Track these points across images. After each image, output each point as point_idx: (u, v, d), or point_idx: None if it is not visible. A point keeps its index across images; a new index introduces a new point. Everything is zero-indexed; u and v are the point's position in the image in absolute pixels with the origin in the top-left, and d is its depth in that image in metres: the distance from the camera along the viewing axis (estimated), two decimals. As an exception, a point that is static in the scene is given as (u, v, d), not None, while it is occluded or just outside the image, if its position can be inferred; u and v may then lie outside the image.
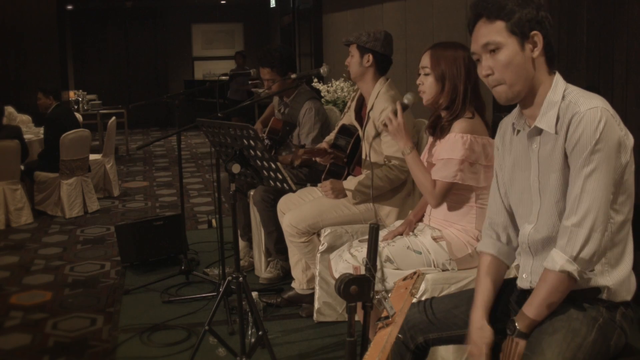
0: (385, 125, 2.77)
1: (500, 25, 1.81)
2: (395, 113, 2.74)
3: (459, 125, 2.68)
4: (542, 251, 1.90)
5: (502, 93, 1.85)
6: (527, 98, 1.86)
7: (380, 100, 3.34)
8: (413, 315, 2.08)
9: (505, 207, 2.06)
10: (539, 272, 1.89)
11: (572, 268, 1.75)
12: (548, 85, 1.85)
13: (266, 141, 4.12)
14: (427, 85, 2.75)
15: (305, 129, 4.11)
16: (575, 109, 1.76)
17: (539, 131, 1.86)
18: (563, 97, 1.82)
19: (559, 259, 1.77)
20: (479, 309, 1.97)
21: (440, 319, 2.06)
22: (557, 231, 1.84)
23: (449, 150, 2.67)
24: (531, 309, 1.83)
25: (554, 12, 3.98)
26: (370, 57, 3.37)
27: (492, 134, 2.59)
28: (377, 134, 2.79)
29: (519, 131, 1.95)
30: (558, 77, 1.86)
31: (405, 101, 2.77)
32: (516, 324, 1.84)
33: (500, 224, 2.07)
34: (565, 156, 1.79)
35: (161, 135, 12.04)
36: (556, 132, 1.80)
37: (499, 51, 1.81)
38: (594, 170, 1.73)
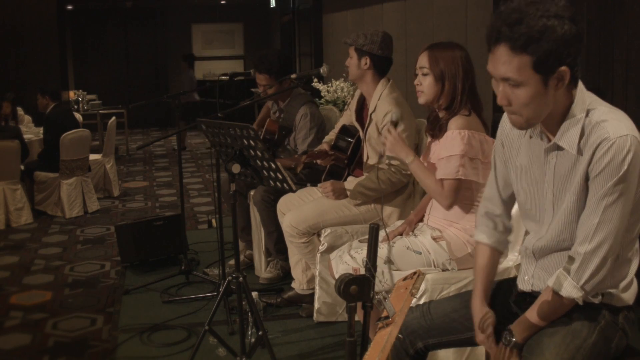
0: (384, 144, 2.82)
1: (525, 60, 1.62)
2: (389, 131, 2.80)
3: (455, 122, 2.69)
4: (546, 258, 1.89)
5: (517, 123, 1.75)
6: (546, 118, 1.76)
7: (383, 102, 3.33)
8: (412, 321, 2.07)
9: (502, 199, 2.06)
10: (541, 277, 1.89)
11: (578, 295, 1.74)
12: (568, 99, 1.73)
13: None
14: (426, 85, 2.75)
15: (302, 135, 4.11)
16: (604, 134, 1.67)
17: (558, 146, 1.78)
18: (587, 113, 1.72)
19: (566, 284, 1.74)
20: (479, 296, 1.99)
21: (439, 324, 2.05)
22: (564, 245, 1.82)
23: (449, 147, 2.67)
24: (530, 320, 1.82)
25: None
26: (368, 59, 3.37)
27: (491, 133, 2.60)
28: (381, 157, 2.89)
29: (531, 136, 1.87)
30: (581, 89, 1.74)
31: (394, 117, 2.83)
32: (513, 336, 1.83)
33: (498, 214, 2.08)
34: (586, 179, 1.72)
35: (161, 135, 12.04)
36: (580, 153, 1.71)
37: (519, 88, 1.66)
38: (615, 200, 1.67)
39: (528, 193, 1.92)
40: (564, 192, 1.79)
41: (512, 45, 1.62)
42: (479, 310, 1.96)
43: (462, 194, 2.73)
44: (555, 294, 1.77)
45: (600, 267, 1.72)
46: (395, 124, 2.81)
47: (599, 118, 1.70)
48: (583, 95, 1.74)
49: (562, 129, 1.74)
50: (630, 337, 1.87)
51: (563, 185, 1.79)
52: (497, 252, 2.09)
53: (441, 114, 2.79)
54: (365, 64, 3.37)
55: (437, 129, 2.79)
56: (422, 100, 2.78)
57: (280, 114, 4.27)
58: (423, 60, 2.76)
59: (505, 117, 1.98)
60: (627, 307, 1.86)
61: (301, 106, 4.14)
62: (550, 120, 1.76)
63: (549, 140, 1.80)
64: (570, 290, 1.74)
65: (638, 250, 1.85)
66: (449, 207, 2.73)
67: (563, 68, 1.64)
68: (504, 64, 1.66)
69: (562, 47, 1.61)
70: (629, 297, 1.85)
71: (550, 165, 1.81)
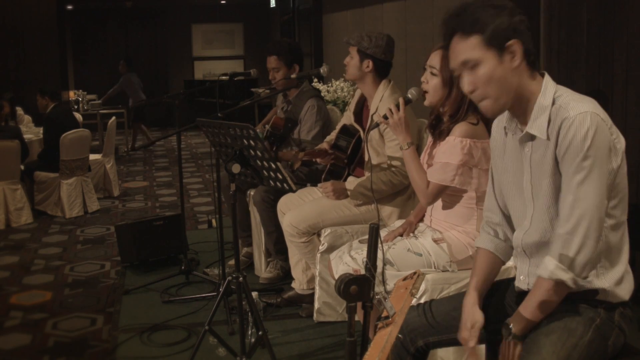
0: (385, 117, 2.73)
1: (475, 39, 1.78)
2: (397, 106, 2.71)
3: (459, 128, 2.63)
4: (537, 254, 1.90)
5: (489, 107, 1.83)
6: (515, 106, 1.84)
7: (384, 103, 3.30)
8: (412, 319, 2.08)
9: (500, 207, 2.06)
10: (536, 274, 1.89)
11: (566, 276, 1.74)
12: (536, 89, 1.82)
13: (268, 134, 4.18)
14: (432, 85, 2.69)
15: (307, 127, 4.12)
16: (565, 114, 1.74)
17: (531, 136, 1.84)
18: (553, 101, 1.79)
19: (552, 267, 1.75)
20: (472, 294, 1.98)
21: (440, 322, 2.06)
22: (549, 236, 1.84)
23: (448, 153, 2.64)
24: (525, 312, 1.82)
25: (554, 12, 3.97)
26: (370, 63, 3.35)
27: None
28: (375, 125, 2.79)
29: (507, 133, 1.94)
30: (547, 80, 1.84)
31: (409, 96, 2.73)
32: (511, 327, 1.83)
33: (497, 223, 2.08)
34: (556, 162, 1.78)
35: (161, 135, 12.04)
36: (548, 138, 1.78)
37: (478, 67, 1.79)
38: (586, 177, 1.71)
39: (512, 192, 1.96)
40: (540, 181, 1.83)
41: (462, 30, 1.80)
42: (469, 308, 1.95)
43: (464, 198, 2.72)
44: (546, 280, 1.77)
45: (583, 245, 1.72)
46: (408, 102, 2.73)
47: (563, 102, 1.78)
48: (549, 86, 1.83)
49: (532, 118, 1.82)
50: (627, 335, 1.87)
51: (539, 174, 1.84)
52: (497, 259, 2.06)
53: (445, 118, 2.72)
54: (368, 66, 3.36)
55: (438, 133, 2.74)
56: (428, 101, 2.73)
57: (289, 106, 4.29)
58: (434, 60, 2.69)
59: (495, 124, 2.04)
60: (623, 304, 1.86)
61: (309, 99, 4.17)
62: (520, 111, 1.85)
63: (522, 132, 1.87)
64: (557, 272, 1.74)
65: (627, 236, 1.86)
66: (426, 205, 2.79)
67: (512, 41, 1.77)
68: (459, 50, 1.81)
69: (507, 24, 1.77)
70: (623, 292, 1.85)
71: (526, 157, 1.87)
